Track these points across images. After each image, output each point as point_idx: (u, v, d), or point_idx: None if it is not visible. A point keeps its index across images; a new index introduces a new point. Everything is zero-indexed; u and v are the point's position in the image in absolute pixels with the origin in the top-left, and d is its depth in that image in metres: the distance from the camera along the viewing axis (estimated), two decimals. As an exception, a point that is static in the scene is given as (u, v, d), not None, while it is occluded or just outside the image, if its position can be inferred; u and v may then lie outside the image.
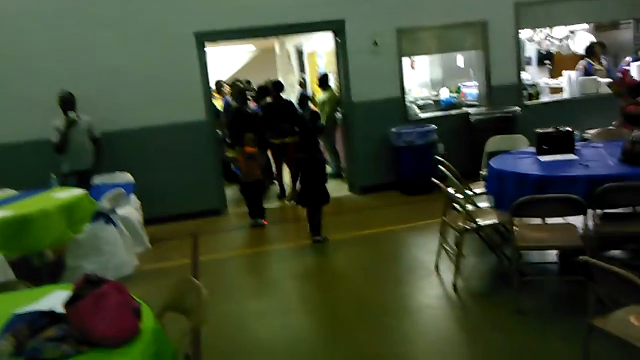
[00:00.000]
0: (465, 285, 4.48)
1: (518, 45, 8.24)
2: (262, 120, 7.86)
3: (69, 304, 2.01)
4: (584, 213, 3.70)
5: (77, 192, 5.34)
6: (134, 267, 5.64)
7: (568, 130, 4.72)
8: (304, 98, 8.41)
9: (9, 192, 5.88)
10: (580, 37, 9.69)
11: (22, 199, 5.29)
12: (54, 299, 2.32)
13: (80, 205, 5.14)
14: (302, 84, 12.45)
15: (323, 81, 9.15)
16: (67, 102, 6.27)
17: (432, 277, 4.72)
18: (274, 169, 8.55)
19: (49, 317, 2.11)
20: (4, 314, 2.21)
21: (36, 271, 5.19)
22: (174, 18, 7.10)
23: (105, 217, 5.34)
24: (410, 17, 7.72)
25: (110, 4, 6.97)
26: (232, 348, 3.87)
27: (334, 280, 5.12)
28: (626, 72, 8.49)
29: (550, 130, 4.76)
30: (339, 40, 7.73)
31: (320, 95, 9.17)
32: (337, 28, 7.65)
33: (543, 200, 3.74)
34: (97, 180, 6.41)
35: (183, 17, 7.12)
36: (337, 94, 8.49)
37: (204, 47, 7.33)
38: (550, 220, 4.38)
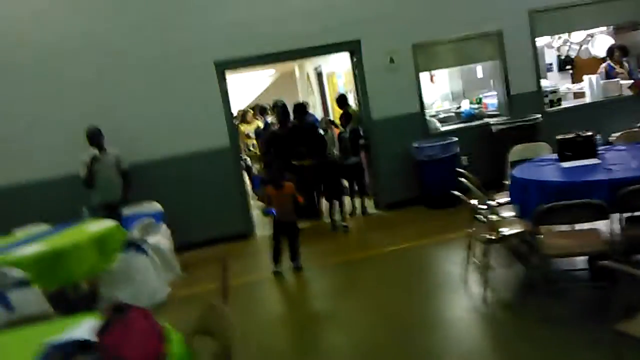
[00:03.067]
0: (495, 296, 4.45)
1: (535, 52, 8.21)
2: (285, 142, 7.84)
3: (100, 332, 2.08)
4: (607, 218, 3.66)
5: (108, 223, 5.47)
6: (167, 294, 5.74)
7: (589, 135, 4.67)
8: (347, 116, 8.11)
9: (43, 227, 6.06)
10: (599, 40, 9.62)
11: (56, 233, 5.44)
12: (84, 327, 2.39)
13: (111, 237, 5.26)
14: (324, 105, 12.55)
15: (341, 101, 9.21)
16: (93, 137, 6.47)
17: (461, 291, 4.71)
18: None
19: (81, 345, 2.19)
20: (38, 344, 2.29)
21: (73, 303, 5.33)
22: (194, 48, 7.31)
23: (136, 246, 5.45)
24: (425, 32, 7.80)
25: (130, 37, 7.21)
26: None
27: (363, 298, 5.12)
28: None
29: (571, 135, 4.72)
30: (356, 60, 7.83)
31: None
32: (353, 48, 7.76)
33: (564, 207, 3.70)
34: (127, 211, 6.57)
35: (202, 46, 7.32)
36: (357, 113, 8.54)
37: (224, 75, 7.50)
38: (578, 226, 4.34)
